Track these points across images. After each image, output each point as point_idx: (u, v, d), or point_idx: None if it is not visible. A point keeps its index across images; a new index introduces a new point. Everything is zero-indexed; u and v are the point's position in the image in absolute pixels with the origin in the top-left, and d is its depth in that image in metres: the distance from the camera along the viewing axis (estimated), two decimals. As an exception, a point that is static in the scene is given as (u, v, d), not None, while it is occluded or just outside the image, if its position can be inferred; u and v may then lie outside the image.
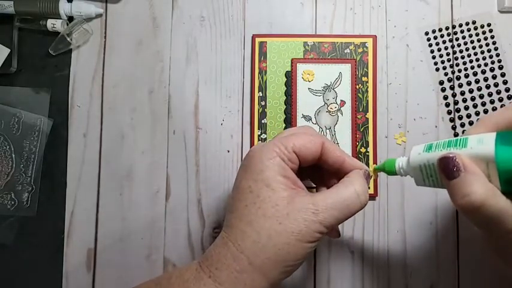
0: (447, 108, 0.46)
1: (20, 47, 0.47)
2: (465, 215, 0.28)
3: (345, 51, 0.46)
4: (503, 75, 0.45)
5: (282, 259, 0.30)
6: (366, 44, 0.45)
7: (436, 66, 0.46)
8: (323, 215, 0.30)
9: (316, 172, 0.37)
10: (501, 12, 0.46)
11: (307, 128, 0.36)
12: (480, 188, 0.27)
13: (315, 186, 0.39)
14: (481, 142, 0.28)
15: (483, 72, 0.46)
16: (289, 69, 0.45)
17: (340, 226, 0.44)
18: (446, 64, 0.46)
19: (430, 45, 0.46)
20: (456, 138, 0.29)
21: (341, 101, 0.45)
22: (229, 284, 0.30)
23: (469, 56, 0.46)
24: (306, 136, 0.33)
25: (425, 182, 0.31)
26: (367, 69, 0.45)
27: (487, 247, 0.30)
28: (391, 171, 0.34)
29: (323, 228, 0.31)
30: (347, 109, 0.45)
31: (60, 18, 0.46)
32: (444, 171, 0.28)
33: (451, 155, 0.28)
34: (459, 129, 0.45)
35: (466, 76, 0.46)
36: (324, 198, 0.31)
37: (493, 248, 0.30)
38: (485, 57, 0.46)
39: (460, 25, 0.46)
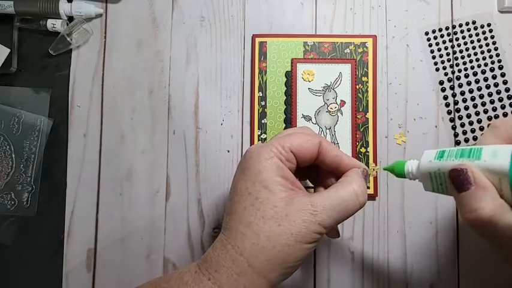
0: (447, 108, 0.45)
1: (20, 47, 0.47)
2: (471, 229, 0.28)
3: (345, 51, 0.46)
4: (503, 75, 0.45)
5: (282, 261, 0.30)
6: (366, 44, 0.45)
7: (436, 66, 0.46)
8: (322, 216, 0.30)
9: (314, 172, 0.37)
10: (501, 12, 0.46)
11: (304, 128, 0.36)
12: (489, 203, 0.26)
13: (312, 186, 0.39)
14: (496, 156, 0.27)
15: (483, 72, 0.46)
16: (289, 69, 0.45)
17: (340, 226, 0.44)
18: (446, 64, 0.46)
19: (430, 45, 0.46)
20: (470, 147, 0.29)
21: (341, 101, 0.45)
22: (229, 286, 0.30)
23: (469, 56, 0.46)
24: (303, 136, 0.33)
25: (434, 189, 0.31)
26: (367, 69, 0.45)
27: (493, 254, 0.30)
28: (400, 174, 0.33)
29: (322, 228, 0.31)
30: (347, 109, 0.45)
31: (60, 18, 0.46)
32: (454, 183, 0.28)
33: (462, 168, 0.28)
34: (459, 129, 0.45)
35: (466, 76, 0.46)
36: (322, 199, 0.31)
37: (500, 256, 0.30)
38: (485, 57, 0.46)
39: (460, 25, 0.46)
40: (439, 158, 0.30)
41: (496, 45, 0.46)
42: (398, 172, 0.33)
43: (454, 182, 0.28)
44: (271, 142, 0.33)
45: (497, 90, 0.45)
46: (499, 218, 0.26)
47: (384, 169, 0.35)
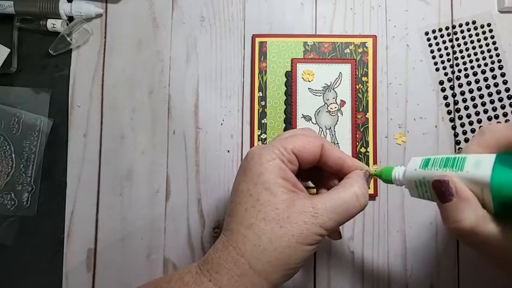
0: (447, 108, 0.46)
1: (20, 47, 0.47)
2: (455, 237, 0.28)
3: (345, 51, 0.46)
4: (503, 75, 0.45)
5: (283, 262, 0.30)
6: (366, 44, 0.45)
7: (436, 66, 0.46)
8: (323, 218, 0.30)
9: (317, 173, 0.37)
10: (501, 12, 0.46)
11: (306, 130, 0.36)
12: (470, 215, 0.27)
13: (314, 186, 0.39)
14: (478, 166, 0.27)
15: (483, 72, 0.46)
16: (289, 69, 0.45)
17: (340, 227, 0.44)
18: (446, 64, 0.46)
19: (430, 45, 0.46)
20: (454, 156, 0.29)
21: (341, 101, 0.45)
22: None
23: (469, 56, 0.46)
24: (305, 137, 0.33)
25: (420, 196, 0.31)
26: (367, 69, 0.45)
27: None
28: (388, 180, 0.34)
29: (323, 230, 0.31)
30: (347, 109, 0.45)
31: (60, 18, 0.46)
32: (437, 194, 0.28)
33: (445, 179, 0.28)
34: (459, 129, 0.45)
35: (466, 76, 0.46)
36: (323, 201, 0.31)
37: (486, 262, 0.30)
38: (485, 57, 0.46)
39: (460, 25, 0.46)
40: (424, 166, 0.30)
41: (496, 45, 0.46)
42: (385, 178, 0.34)
43: (437, 192, 0.28)
44: (273, 144, 0.33)
45: (497, 90, 0.45)
46: (481, 228, 0.26)
47: (373, 175, 0.35)
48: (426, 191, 0.30)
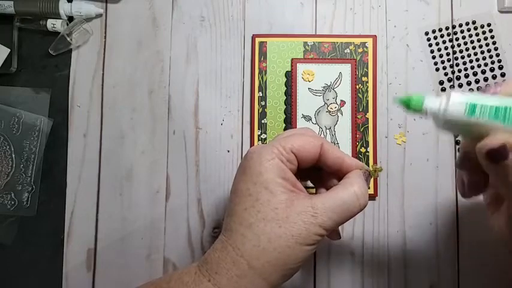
0: (447, 108, 0.45)
1: (20, 47, 0.47)
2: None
3: (345, 51, 0.46)
4: (503, 75, 0.45)
5: (283, 262, 0.30)
6: (366, 44, 0.45)
7: (436, 66, 0.46)
8: (322, 218, 0.30)
9: (316, 173, 0.37)
10: (501, 12, 0.46)
11: (306, 130, 0.36)
12: None
13: (313, 186, 0.39)
14: None
15: (483, 72, 0.46)
16: (289, 69, 0.45)
17: (340, 227, 0.44)
18: (446, 64, 0.46)
19: (430, 45, 0.46)
20: (505, 106, 0.27)
21: (341, 101, 0.45)
22: None
23: (469, 56, 0.46)
24: (305, 137, 0.33)
25: (450, 131, 0.29)
26: (367, 69, 0.45)
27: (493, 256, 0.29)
28: (416, 109, 0.30)
29: (322, 230, 0.31)
30: (347, 109, 0.45)
31: (60, 18, 0.46)
32: (491, 159, 0.26)
33: (502, 147, 0.26)
34: (459, 129, 0.45)
35: (466, 76, 0.46)
36: (323, 200, 0.31)
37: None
38: (485, 57, 0.46)
39: (460, 25, 0.46)
40: (470, 113, 0.28)
41: (496, 45, 0.46)
42: (414, 107, 0.30)
43: (491, 157, 0.26)
44: (273, 143, 0.33)
45: (497, 90, 0.45)
46: None
47: (400, 100, 0.30)
48: (463, 131, 0.29)
